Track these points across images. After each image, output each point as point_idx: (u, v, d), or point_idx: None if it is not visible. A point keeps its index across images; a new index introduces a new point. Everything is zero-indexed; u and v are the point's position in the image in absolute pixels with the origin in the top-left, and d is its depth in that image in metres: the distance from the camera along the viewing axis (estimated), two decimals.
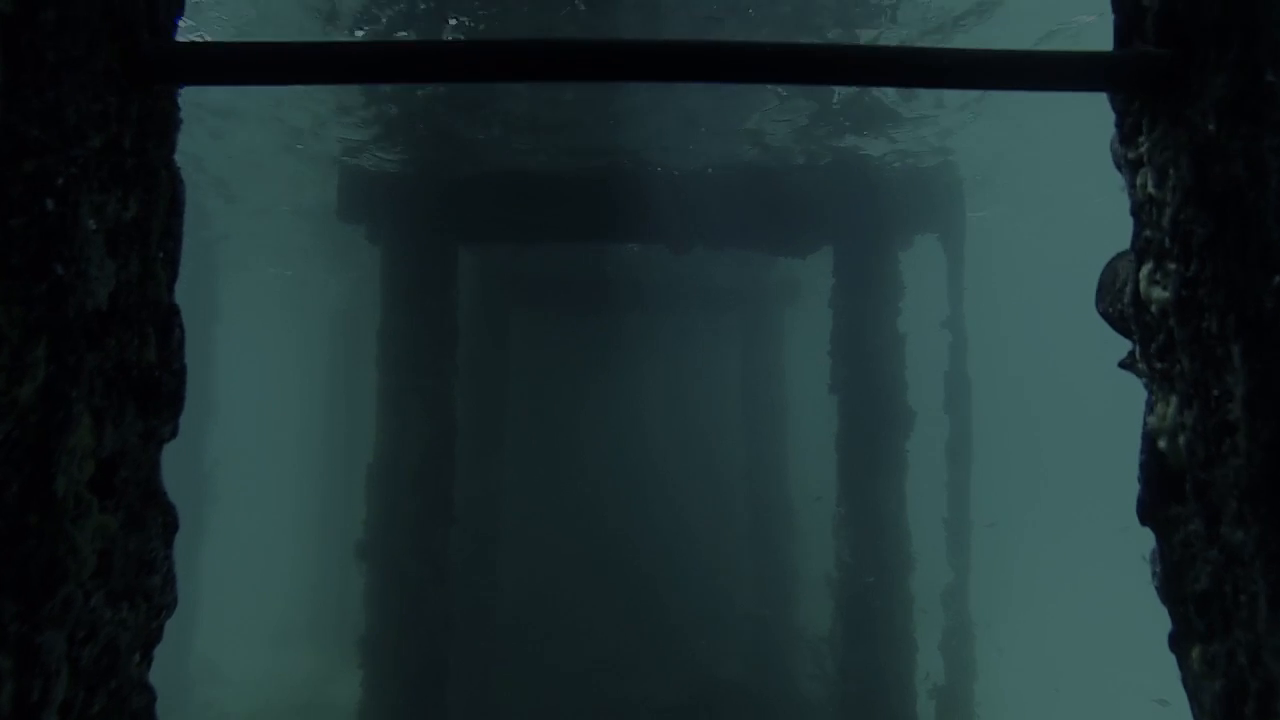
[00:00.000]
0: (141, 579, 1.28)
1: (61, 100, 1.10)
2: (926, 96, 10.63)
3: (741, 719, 14.38)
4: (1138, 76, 1.36)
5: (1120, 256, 1.62)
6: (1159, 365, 1.42)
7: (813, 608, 16.69)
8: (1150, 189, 1.43)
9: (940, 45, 9.26)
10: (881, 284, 11.69)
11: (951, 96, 10.87)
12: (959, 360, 11.98)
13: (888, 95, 10.48)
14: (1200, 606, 1.29)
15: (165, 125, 1.40)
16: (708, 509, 18.74)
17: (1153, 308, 1.42)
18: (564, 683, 15.13)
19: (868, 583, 9.83)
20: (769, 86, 9.91)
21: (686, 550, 18.05)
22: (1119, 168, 1.58)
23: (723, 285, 17.75)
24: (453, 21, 7.83)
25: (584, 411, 18.67)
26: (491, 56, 1.39)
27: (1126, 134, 1.52)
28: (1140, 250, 1.48)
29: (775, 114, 10.77)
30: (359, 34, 8.52)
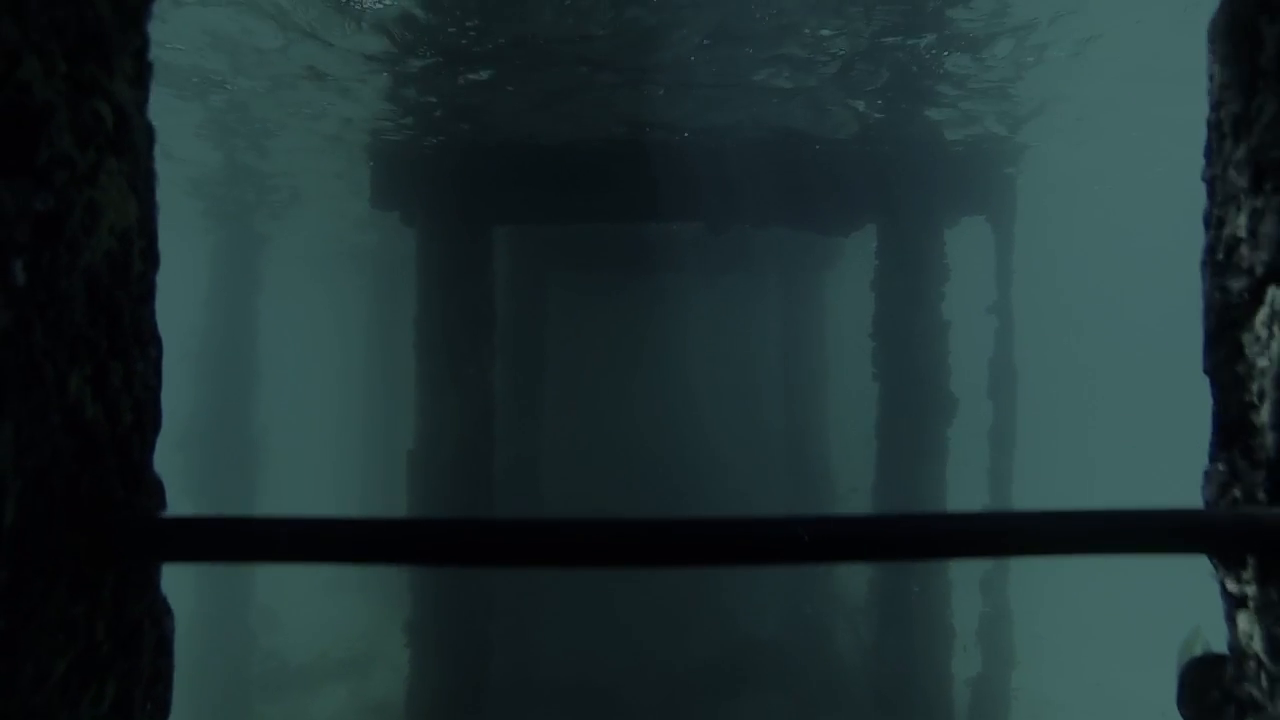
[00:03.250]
0: None
1: (18, 667, 0.99)
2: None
3: (778, 681, 14.67)
4: (1242, 539, 1.16)
5: (1210, 664, 1.42)
6: None
7: (849, 574, 16.84)
8: (1256, 647, 1.24)
9: None
10: (926, 267, 11.30)
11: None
12: (1005, 347, 11.61)
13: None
14: None
15: (145, 578, 1.28)
16: (748, 468, 18.77)
17: None
18: (603, 639, 15.54)
19: (913, 592, 9.79)
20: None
21: (727, 509, 18.16)
22: (1214, 568, 1.38)
23: (763, 245, 17.33)
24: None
25: (624, 374, 18.63)
26: (506, 537, 1.25)
27: (1230, 558, 1.32)
28: (1240, 701, 1.30)
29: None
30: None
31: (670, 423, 18.05)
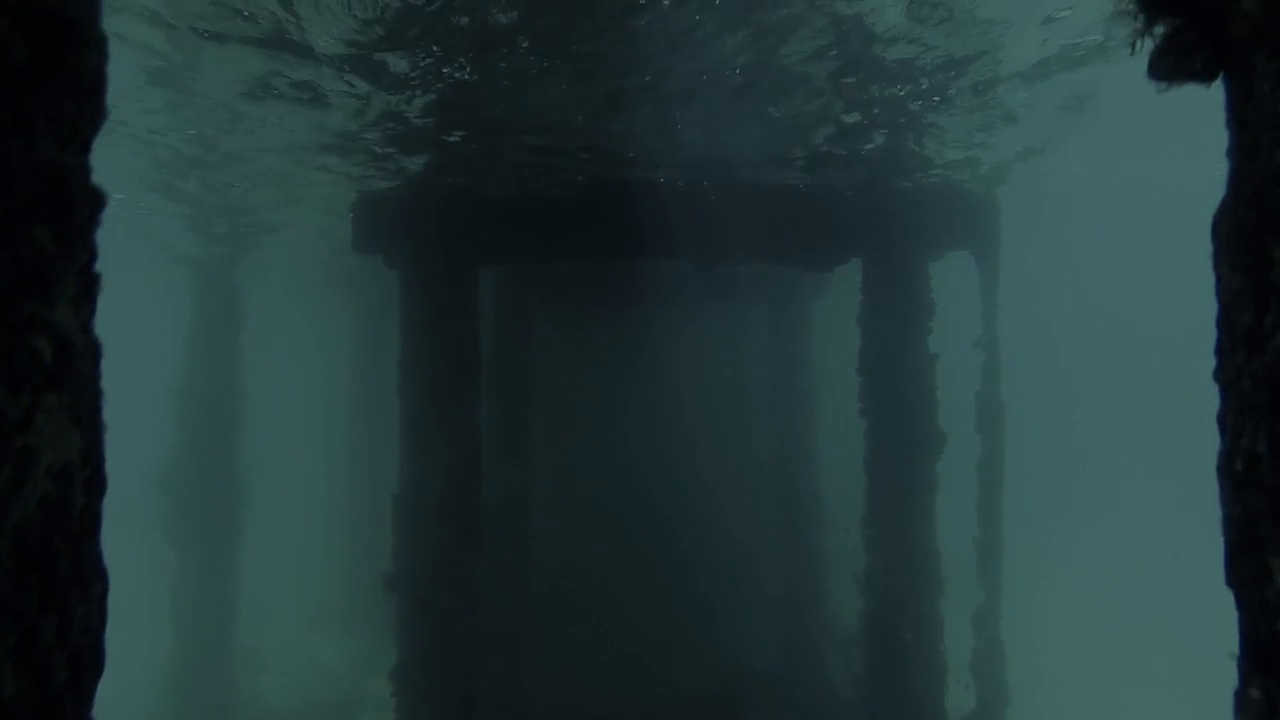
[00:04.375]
0: None
1: None
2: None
3: (771, 708, 14.54)
4: None
5: None
6: None
7: (842, 598, 16.75)
8: None
9: None
10: (912, 301, 11.30)
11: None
12: (991, 381, 11.61)
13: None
14: None
15: None
16: (738, 500, 18.68)
17: None
18: (596, 670, 15.37)
19: (905, 639, 9.69)
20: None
21: (716, 541, 18.06)
22: None
23: (751, 275, 17.31)
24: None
25: (613, 404, 18.51)
26: None
27: None
28: None
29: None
30: None
31: (660, 458, 17.94)
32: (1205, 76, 1.41)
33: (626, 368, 18.51)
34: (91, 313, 1.24)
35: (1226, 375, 1.31)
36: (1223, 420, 1.33)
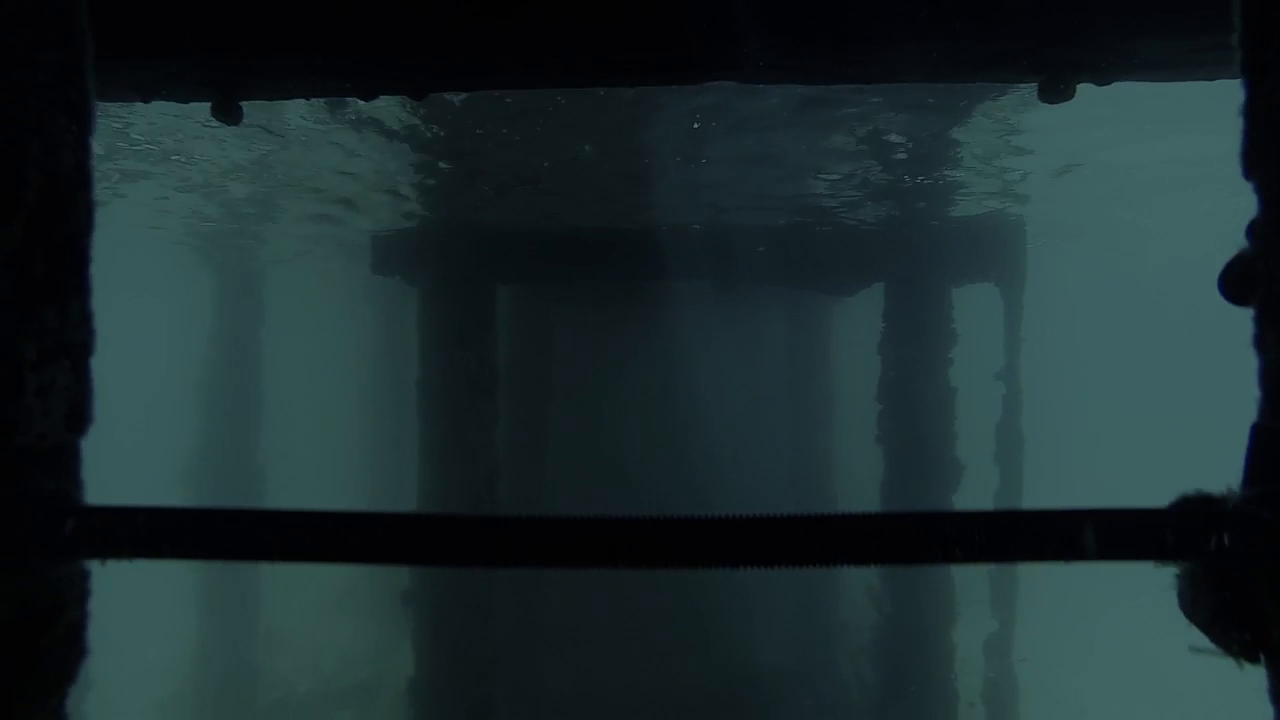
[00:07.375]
0: None
1: None
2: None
3: (786, 706, 14.74)
4: None
5: None
6: None
7: (854, 603, 16.84)
8: None
9: None
10: (934, 330, 11.12)
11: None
12: (1012, 414, 11.44)
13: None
14: None
15: None
16: (755, 504, 18.67)
17: None
18: (609, 668, 15.59)
19: (910, 691, 9.72)
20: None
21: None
22: None
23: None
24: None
25: (626, 397, 18.46)
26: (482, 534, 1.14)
27: None
28: None
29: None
30: None
31: (677, 461, 17.93)
32: (1244, 657, 1.34)
33: (645, 373, 18.42)
34: None
35: None
36: None
